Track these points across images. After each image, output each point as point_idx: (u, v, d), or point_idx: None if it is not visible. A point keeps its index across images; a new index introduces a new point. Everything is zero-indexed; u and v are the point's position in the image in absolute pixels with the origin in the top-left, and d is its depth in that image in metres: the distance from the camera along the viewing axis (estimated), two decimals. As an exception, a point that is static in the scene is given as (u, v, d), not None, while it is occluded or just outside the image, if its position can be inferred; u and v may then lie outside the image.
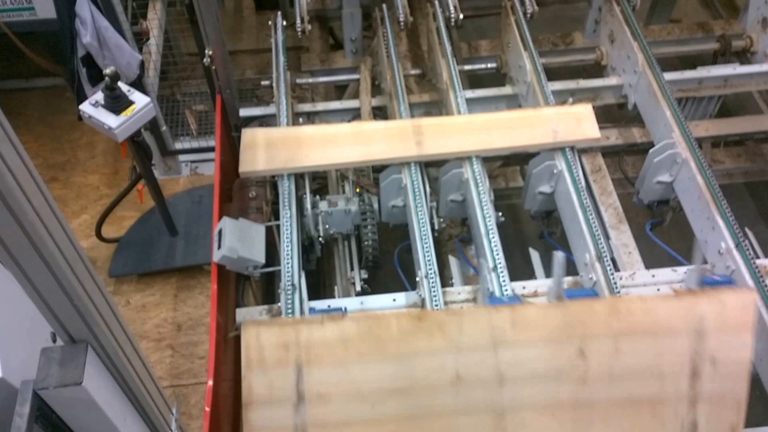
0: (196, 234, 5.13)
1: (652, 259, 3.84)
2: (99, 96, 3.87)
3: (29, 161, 1.45)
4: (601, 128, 4.00)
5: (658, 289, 3.48)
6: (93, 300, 1.70)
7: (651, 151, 3.87)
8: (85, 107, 3.88)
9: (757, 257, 3.49)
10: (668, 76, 4.25)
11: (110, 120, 3.87)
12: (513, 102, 4.56)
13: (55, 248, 1.51)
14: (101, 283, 1.76)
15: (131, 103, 3.93)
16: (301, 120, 4.28)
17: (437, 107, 4.59)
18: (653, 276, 3.54)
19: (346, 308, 3.37)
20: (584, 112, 3.99)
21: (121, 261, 5.07)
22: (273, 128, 4.06)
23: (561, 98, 4.24)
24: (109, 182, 5.74)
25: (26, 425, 1.70)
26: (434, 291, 3.30)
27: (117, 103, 3.87)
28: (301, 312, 3.31)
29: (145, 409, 2.18)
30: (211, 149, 4.52)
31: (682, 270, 3.54)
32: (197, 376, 4.52)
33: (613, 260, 3.60)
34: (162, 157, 5.59)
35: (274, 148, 3.87)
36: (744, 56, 5.04)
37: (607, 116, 4.70)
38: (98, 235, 5.03)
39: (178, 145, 5.62)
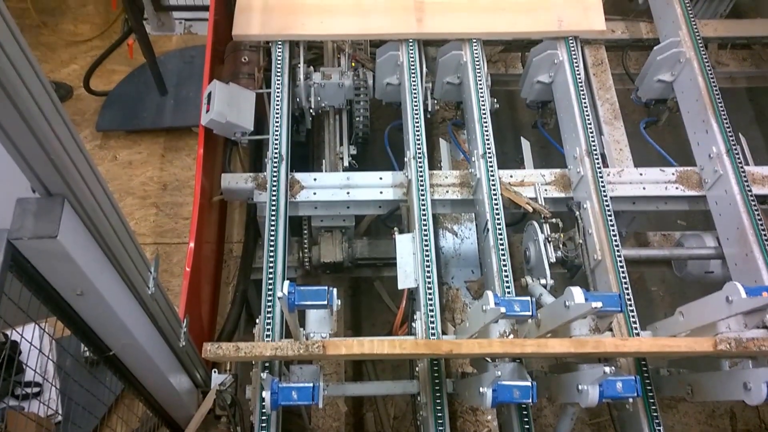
0: (186, 95, 5.04)
1: (643, 158, 3.83)
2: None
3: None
4: (607, 20, 3.90)
5: (644, 188, 3.49)
6: (69, 153, 1.66)
7: (656, 48, 3.78)
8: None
9: (747, 164, 3.50)
10: (683, -31, 4.08)
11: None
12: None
13: (29, 98, 1.45)
14: (78, 136, 1.71)
15: (123, -49, 3.74)
16: (300, -16, 4.12)
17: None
18: (641, 174, 3.54)
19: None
20: (592, 1, 3.87)
21: (108, 116, 4.99)
22: (270, -8, 3.91)
23: (571, -16, 4.08)
24: (100, 33, 5.57)
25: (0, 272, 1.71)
26: (421, 172, 3.28)
27: (108, -51, 3.69)
28: (287, 183, 3.31)
29: (122, 265, 2.19)
30: (206, 8, 4.35)
31: (670, 171, 3.54)
32: (180, 236, 4.55)
33: (603, 156, 3.58)
34: (155, 12, 5.40)
35: (270, 12, 3.75)
36: (765, -47, 4.83)
37: (615, 8, 4.56)
38: (86, 87, 4.93)
39: (173, 1, 5.42)
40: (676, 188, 3.49)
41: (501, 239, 3.10)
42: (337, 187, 3.45)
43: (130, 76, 5.15)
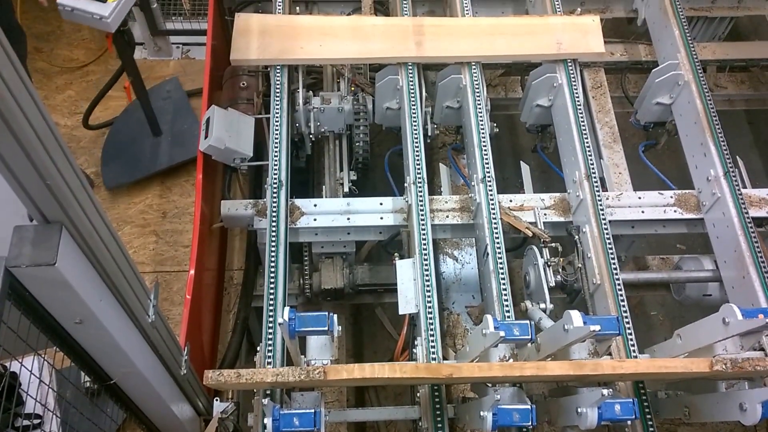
0: (179, 130, 4.85)
1: (642, 181, 3.82)
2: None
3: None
4: (607, 42, 3.92)
5: (643, 212, 3.48)
6: (67, 181, 1.65)
7: (654, 70, 3.79)
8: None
9: (744, 186, 3.50)
10: (682, -8, 4.11)
11: (99, 8, 3.60)
12: (520, 7, 4.41)
13: (27, 125, 1.44)
14: (76, 163, 1.70)
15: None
16: (298, 9, 4.12)
17: (441, 6, 4.43)
18: (640, 198, 3.54)
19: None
20: (591, 24, 3.88)
21: (111, 173, 4.83)
22: (268, 15, 3.91)
23: (570, 7, 4.10)
24: (96, 58, 5.52)
25: (-3, 300, 1.70)
26: (421, 198, 3.27)
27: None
28: (287, 209, 3.30)
29: (121, 293, 2.17)
30: (204, 32, 4.35)
31: (668, 194, 3.54)
32: (181, 264, 4.52)
33: (602, 180, 3.59)
34: (152, 37, 5.38)
35: (269, 36, 3.75)
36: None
37: (614, 30, 4.57)
38: (85, 124, 4.89)
39: (170, 26, 5.41)
40: (675, 211, 3.49)
41: (501, 264, 3.09)
42: (337, 212, 3.44)
43: (120, 122, 5.00)
